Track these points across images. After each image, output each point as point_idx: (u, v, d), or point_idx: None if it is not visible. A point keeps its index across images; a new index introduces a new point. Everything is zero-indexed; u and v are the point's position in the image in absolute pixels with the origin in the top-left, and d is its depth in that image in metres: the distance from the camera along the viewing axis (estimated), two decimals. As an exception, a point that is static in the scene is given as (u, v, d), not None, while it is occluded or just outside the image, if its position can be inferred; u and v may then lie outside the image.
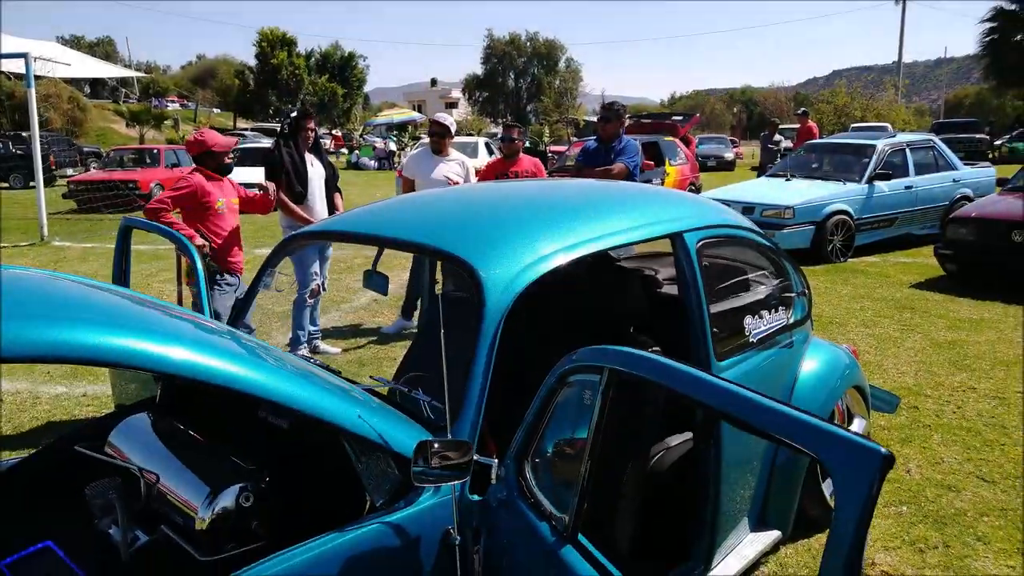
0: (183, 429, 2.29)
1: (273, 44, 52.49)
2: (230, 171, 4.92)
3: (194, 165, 4.85)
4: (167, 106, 54.19)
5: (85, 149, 29.44)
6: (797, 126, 16.08)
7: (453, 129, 6.31)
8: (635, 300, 2.97)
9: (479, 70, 68.68)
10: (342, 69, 57.22)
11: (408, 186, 6.34)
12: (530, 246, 2.25)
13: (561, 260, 2.26)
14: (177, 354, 1.58)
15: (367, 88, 63.54)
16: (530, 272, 2.17)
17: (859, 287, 8.05)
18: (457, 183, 6.05)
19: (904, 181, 10.21)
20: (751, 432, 1.25)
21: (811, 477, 3.13)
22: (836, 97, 38.37)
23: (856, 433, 1.11)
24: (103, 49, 78.12)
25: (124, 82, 53.65)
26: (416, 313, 6.38)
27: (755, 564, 2.93)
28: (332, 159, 8.07)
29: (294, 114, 5.88)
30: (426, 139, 7.99)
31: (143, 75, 60.93)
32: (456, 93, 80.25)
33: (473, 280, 2.11)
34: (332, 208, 5.80)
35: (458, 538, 1.83)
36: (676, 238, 2.60)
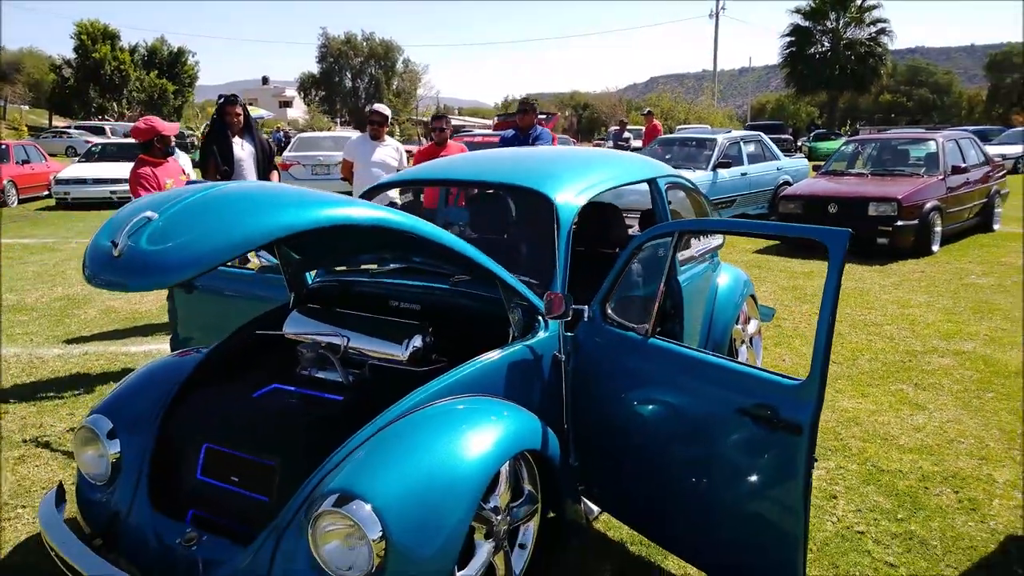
0: (340, 311, 3.22)
1: (94, 37, 49.54)
2: (173, 152, 5.41)
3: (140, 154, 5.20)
4: (-37, 102, 49.67)
5: None
6: (643, 127, 18.07)
7: (390, 119, 7.26)
8: (620, 230, 4.16)
9: (315, 69, 67.76)
10: (171, 65, 54.88)
11: (347, 169, 7.20)
12: (575, 183, 3.37)
13: (593, 192, 3.40)
14: (415, 223, 2.54)
15: (188, 86, 60.22)
16: (580, 199, 3.30)
17: (714, 254, 9.75)
18: (393, 166, 7.00)
19: (740, 169, 12.17)
20: (774, 239, 2.46)
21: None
22: (662, 101, 41.86)
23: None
24: None
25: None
26: None
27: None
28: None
29: (220, 101, 6.48)
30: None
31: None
32: (291, 92, 78.65)
33: (548, 203, 3.20)
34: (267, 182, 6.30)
35: (563, 357, 2.94)
36: (652, 182, 3.83)
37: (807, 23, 43.47)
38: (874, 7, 42.42)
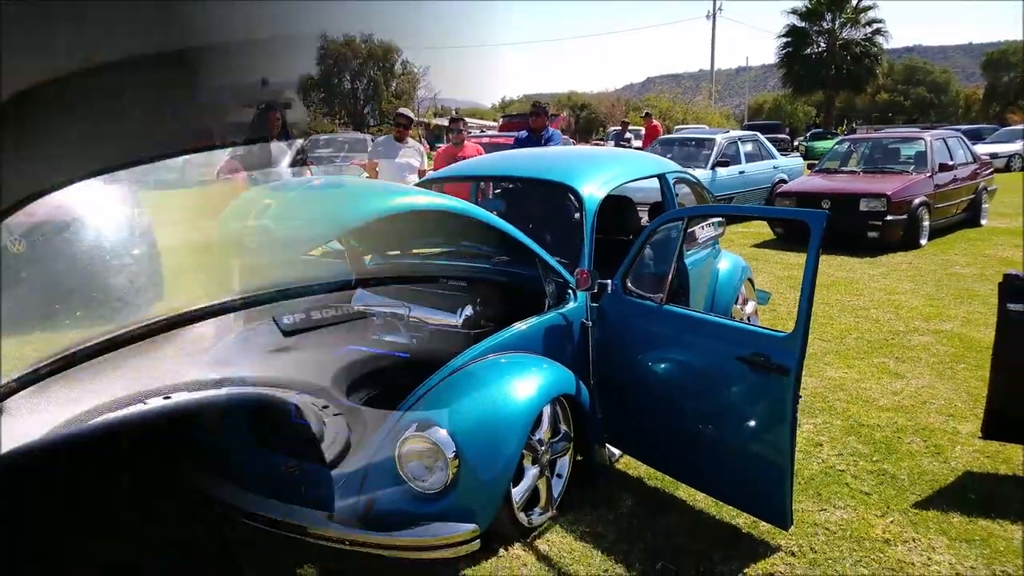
0: (399, 287, 3.77)
1: (98, 40, 50.13)
2: None
3: None
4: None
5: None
6: (643, 127, 18.65)
7: (414, 121, 7.84)
8: (633, 219, 4.73)
9: (314, 71, 68.10)
10: (174, 68, 55.47)
11: (372, 168, 7.76)
12: (598, 178, 3.93)
13: (612, 186, 3.96)
14: (464, 206, 3.11)
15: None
16: (601, 191, 3.86)
17: (714, 248, 10.33)
18: (416, 166, 7.57)
19: (738, 168, 12.72)
20: (766, 220, 3.00)
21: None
22: (660, 101, 42.40)
23: (805, 208, 2.88)
24: None
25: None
26: None
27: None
28: None
29: (262, 107, 7.05)
30: None
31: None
32: (289, 94, 79.02)
33: (576, 196, 3.76)
34: None
35: (590, 323, 3.49)
36: (662, 177, 4.39)
37: (803, 24, 43.99)
38: (869, 8, 42.96)
